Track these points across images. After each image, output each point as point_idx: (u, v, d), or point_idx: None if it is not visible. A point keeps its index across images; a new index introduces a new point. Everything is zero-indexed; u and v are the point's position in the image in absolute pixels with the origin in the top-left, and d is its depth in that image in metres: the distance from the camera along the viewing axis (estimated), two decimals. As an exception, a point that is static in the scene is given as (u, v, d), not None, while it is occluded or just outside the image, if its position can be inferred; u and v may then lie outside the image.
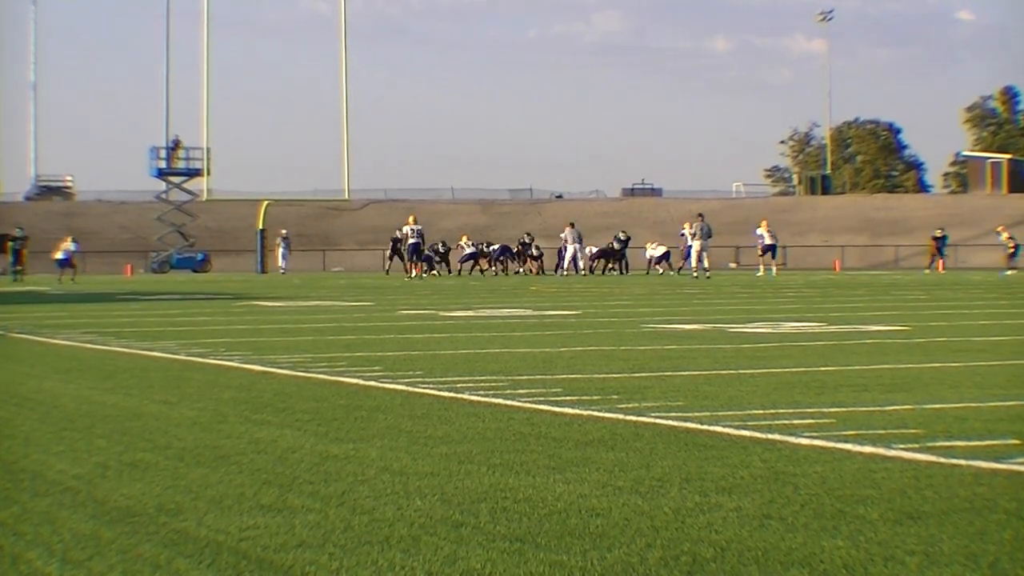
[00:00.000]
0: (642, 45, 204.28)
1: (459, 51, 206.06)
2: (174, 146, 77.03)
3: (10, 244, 59.49)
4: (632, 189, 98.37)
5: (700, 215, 53.90)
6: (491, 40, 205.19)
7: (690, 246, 52.33)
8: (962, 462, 6.73)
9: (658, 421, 8.33)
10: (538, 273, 60.68)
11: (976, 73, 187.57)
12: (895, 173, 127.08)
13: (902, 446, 7.24)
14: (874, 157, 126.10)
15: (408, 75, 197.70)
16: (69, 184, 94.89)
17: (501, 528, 5.36)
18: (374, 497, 6.01)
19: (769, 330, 17.41)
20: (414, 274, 53.34)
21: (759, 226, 56.41)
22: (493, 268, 62.48)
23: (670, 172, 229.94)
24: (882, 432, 7.76)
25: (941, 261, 63.40)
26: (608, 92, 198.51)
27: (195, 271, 74.01)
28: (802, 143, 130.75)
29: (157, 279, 58.67)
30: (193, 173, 77.41)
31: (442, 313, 23.17)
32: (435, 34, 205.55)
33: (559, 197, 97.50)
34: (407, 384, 10.68)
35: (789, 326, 18.24)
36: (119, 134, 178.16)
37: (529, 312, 23.14)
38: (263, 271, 72.23)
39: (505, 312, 23.28)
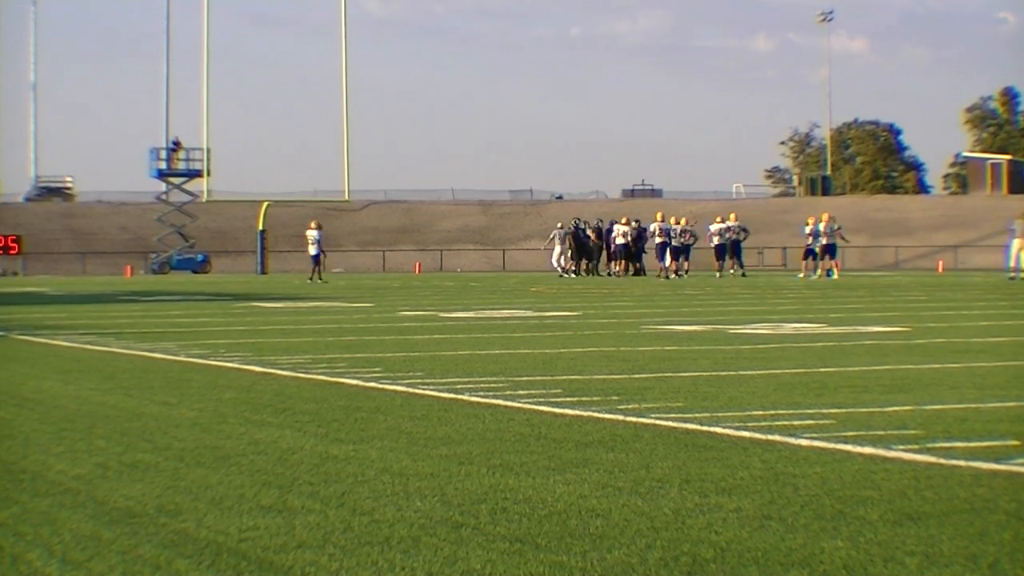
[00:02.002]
0: (642, 44, 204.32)
1: (458, 51, 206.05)
2: (174, 147, 77.05)
3: None
4: (632, 190, 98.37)
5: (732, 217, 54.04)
6: (490, 40, 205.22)
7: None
8: (962, 463, 6.73)
9: (658, 422, 8.33)
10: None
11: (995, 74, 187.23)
12: (895, 174, 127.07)
13: (902, 447, 7.25)
14: (874, 158, 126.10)
15: (409, 74, 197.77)
16: (69, 185, 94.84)
17: (501, 529, 5.36)
18: (374, 498, 6.01)
19: (769, 331, 17.42)
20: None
21: (1016, 219, 43.71)
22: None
23: (670, 173, 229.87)
24: (882, 433, 7.76)
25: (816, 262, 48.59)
26: (608, 92, 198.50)
27: (195, 272, 74.03)
28: (802, 144, 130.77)
29: (157, 280, 58.68)
30: (193, 174, 77.44)
31: (442, 314, 23.18)
32: (437, 33, 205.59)
33: (559, 198, 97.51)
34: (407, 385, 10.68)
35: (789, 327, 18.24)
36: (119, 134, 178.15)
37: (529, 313, 23.15)
38: (263, 272, 72.24)
39: (505, 313, 23.28)
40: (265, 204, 77.44)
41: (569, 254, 55.31)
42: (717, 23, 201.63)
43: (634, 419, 8.46)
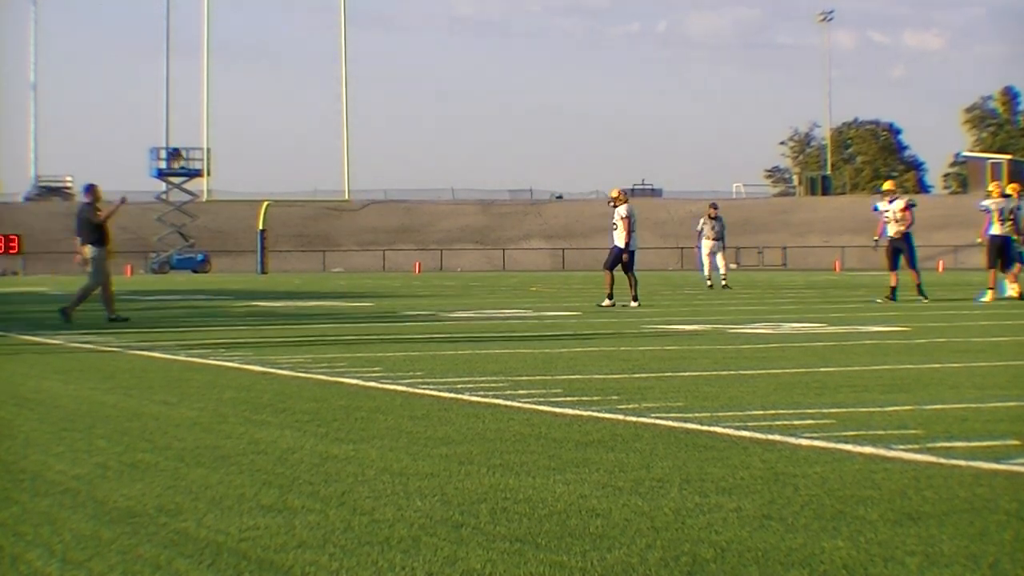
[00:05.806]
0: (641, 42, 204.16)
1: (457, 50, 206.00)
2: (173, 156, 77.22)
3: None
4: (632, 190, 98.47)
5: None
6: (488, 37, 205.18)
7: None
8: (962, 463, 6.73)
9: (658, 422, 8.33)
10: None
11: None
12: (895, 174, 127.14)
13: (902, 447, 7.24)
14: (874, 158, 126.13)
15: (409, 73, 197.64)
16: (69, 184, 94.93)
17: (501, 529, 5.36)
18: (374, 498, 6.01)
19: (769, 331, 17.41)
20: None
21: None
22: None
23: (670, 173, 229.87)
24: (882, 433, 7.76)
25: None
26: (608, 91, 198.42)
27: (195, 272, 74.07)
28: (802, 144, 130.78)
29: (157, 279, 58.68)
30: (193, 174, 77.51)
31: (442, 313, 23.18)
32: (437, 32, 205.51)
33: (559, 197, 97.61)
34: (407, 385, 10.68)
35: (789, 327, 18.24)
36: (119, 134, 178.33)
37: (529, 312, 23.15)
38: (263, 272, 72.23)
39: (505, 312, 23.28)
40: (265, 204, 77.45)
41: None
42: (716, 20, 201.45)
43: (634, 419, 8.46)
